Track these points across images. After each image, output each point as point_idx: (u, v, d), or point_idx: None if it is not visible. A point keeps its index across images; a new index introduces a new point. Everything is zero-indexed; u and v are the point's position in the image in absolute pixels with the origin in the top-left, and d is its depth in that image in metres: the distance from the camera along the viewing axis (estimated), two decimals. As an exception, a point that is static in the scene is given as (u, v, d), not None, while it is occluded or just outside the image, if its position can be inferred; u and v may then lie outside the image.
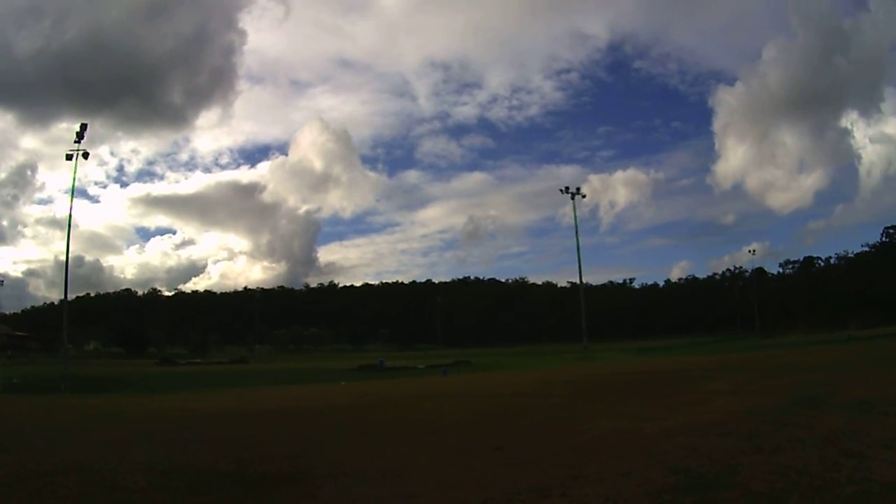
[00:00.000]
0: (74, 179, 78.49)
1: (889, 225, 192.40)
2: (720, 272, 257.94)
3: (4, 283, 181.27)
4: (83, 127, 75.28)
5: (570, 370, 58.82)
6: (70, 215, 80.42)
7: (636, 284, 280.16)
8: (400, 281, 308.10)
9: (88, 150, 75.01)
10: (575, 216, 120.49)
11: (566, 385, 37.31)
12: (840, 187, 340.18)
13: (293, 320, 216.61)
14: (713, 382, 32.19)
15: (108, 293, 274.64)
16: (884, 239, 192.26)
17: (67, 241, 78.77)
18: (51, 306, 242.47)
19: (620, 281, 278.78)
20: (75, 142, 74.03)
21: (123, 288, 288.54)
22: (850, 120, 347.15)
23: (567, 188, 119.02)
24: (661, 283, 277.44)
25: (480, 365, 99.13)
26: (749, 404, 22.31)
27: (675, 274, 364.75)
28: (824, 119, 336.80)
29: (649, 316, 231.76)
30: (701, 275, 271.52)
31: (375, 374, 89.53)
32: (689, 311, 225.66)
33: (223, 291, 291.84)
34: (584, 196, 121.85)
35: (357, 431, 20.79)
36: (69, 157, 73.75)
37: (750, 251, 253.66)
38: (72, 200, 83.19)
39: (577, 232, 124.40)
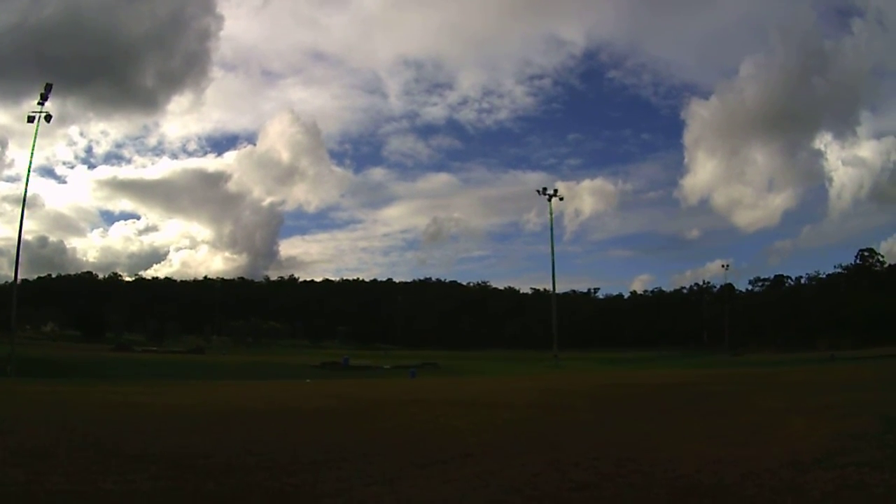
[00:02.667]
0: (35, 142, 73.34)
1: (862, 248, 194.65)
2: (687, 286, 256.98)
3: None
4: (48, 88, 71.06)
5: (564, 379, 53.94)
6: (27, 181, 77.44)
7: (600, 295, 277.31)
8: (360, 278, 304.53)
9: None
10: (551, 218, 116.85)
11: (580, 396, 32.88)
12: (808, 208, 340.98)
13: (252, 312, 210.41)
14: (757, 399, 28.76)
15: (70, 275, 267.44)
16: (857, 261, 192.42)
17: (22, 213, 73.96)
18: (13, 285, 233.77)
19: (584, 290, 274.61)
20: (38, 103, 70.23)
21: (85, 271, 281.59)
22: (824, 141, 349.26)
23: (544, 189, 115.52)
24: (626, 295, 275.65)
25: (449, 369, 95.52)
26: (842, 426, 18.54)
27: (636, 286, 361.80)
28: (798, 139, 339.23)
29: (613, 327, 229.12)
30: (661, 288, 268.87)
31: (340, 372, 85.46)
32: (654, 324, 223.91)
33: (183, 279, 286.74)
34: (561, 198, 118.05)
35: (357, 452, 15.62)
36: (31, 119, 69.91)
37: (724, 266, 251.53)
38: (30, 165, 78.50)
39: (552, 234, 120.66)
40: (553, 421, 22.73)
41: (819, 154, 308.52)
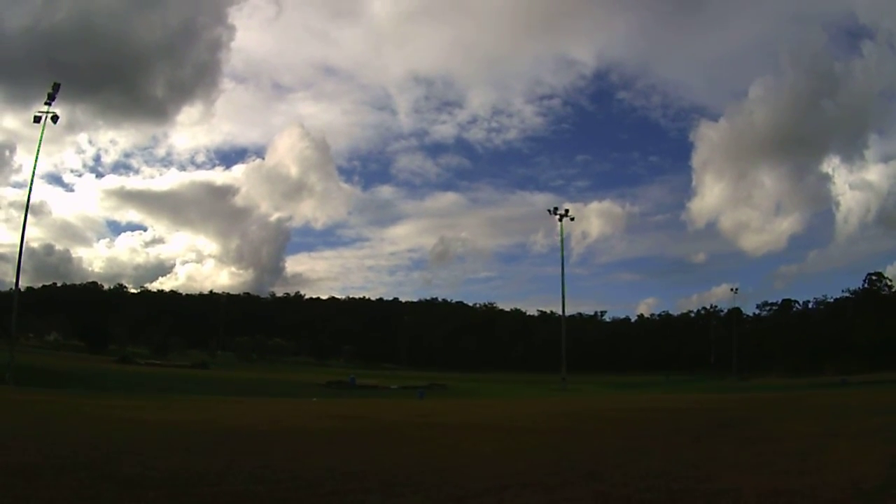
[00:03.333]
0: (40, 142, 72.79)
1: (870, 272, 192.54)
2: (694, 310, 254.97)
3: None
4: (55, 87, 70.00)
5: (578, 403, 52.48)
6: (31, 182, 75.36)
7: (607, 318, 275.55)
8: (366, 297, 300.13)
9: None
10: (562, 238, 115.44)
11: (600, 420, 31.39)
12: (815, 233, 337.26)
13: (256, 329, 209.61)
14: (792, 424, 27.61)
15: (75, 284, 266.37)
16: (865, 285, 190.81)
17: (25, 217, 73.09)
18: (14, 292, 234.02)
19: (590, 313, 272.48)
20: (46, 103, 69.22)
21: (90, 281, 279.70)
22: (832, 165, 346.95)
23: (555, 209, 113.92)
24: (633, 319, 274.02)
25: (457, 390, 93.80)
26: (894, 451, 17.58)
27: (642, 310, 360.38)
28: (806, 162, 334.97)
29: (620, 350, 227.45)
30: (668, 312, 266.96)
31: (346, 391, 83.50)
32: (661, 348, 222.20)
33: (189, 293, 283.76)
34: (572, 218, 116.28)
35: (381, 481, 14.04)
36: (37, 120, 69.16)
37: (732, 289, 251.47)
38: (35, 165, 76.72)
39: (563, 254, 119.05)
40: (584, 447, 21.17)
41: (827, 178, 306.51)
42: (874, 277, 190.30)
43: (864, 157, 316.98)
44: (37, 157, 77.62)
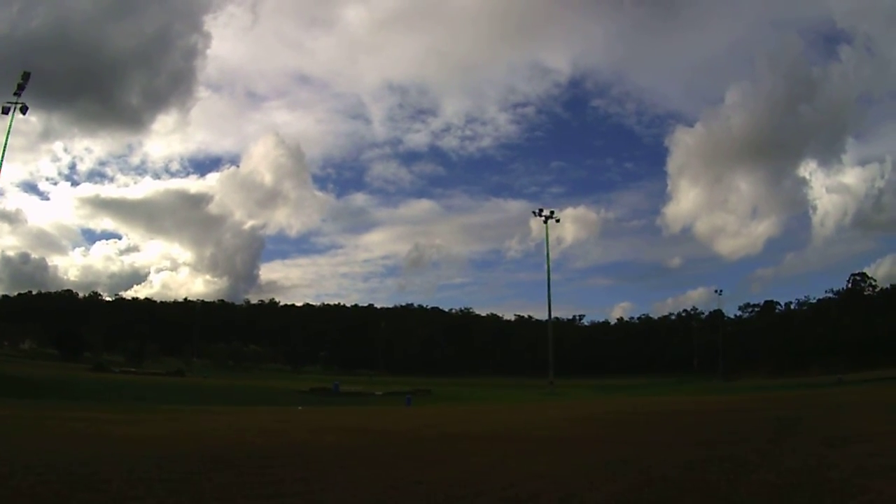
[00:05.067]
0: (9, 134, 69.54)
1: (853, 272, 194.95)
2: (674, 313, 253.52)
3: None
4: (25, 77, 68.61)
5: (587, 407, 48.98)
6: None
7: (585, 322, 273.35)
8: (341, 303, 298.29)
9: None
10: (547, 240, 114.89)
11: (622, 425, 27.90)
12: (792, 236, 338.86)
13: (232, 336, 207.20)
14: (852, 422, 25.39)
15: (50, 293, 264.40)
16: (849, 285, 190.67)
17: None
18: None
19: (568, 317, 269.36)
20: (15, 93, 67.83)
21: (65, 289, 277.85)
22: (809, 169, 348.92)
23: (540, 210, 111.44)
24: (612, 322, 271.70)
25: (442, 395, 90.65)
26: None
27: (616, 314, 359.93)
28: (782, 167, 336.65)
29: (601, 354, 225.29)
30: (648, 315, 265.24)
31: (331, 398, 79.91)
32: (642, 351, 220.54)
33: (163, 301, 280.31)
34: (557, 220, 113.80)
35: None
36: (5, 111, 67.28)
37: (716, 291, 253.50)
38: (2, 159, 73.04)
39: (548, 256, 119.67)
40: (649, 455, 17.29)
41: (803, 182, 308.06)
42: (858, 277, 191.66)
43: (842, 161, 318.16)
44: (4, 149, 73.66)
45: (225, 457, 17.06)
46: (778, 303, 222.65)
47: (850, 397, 47.41)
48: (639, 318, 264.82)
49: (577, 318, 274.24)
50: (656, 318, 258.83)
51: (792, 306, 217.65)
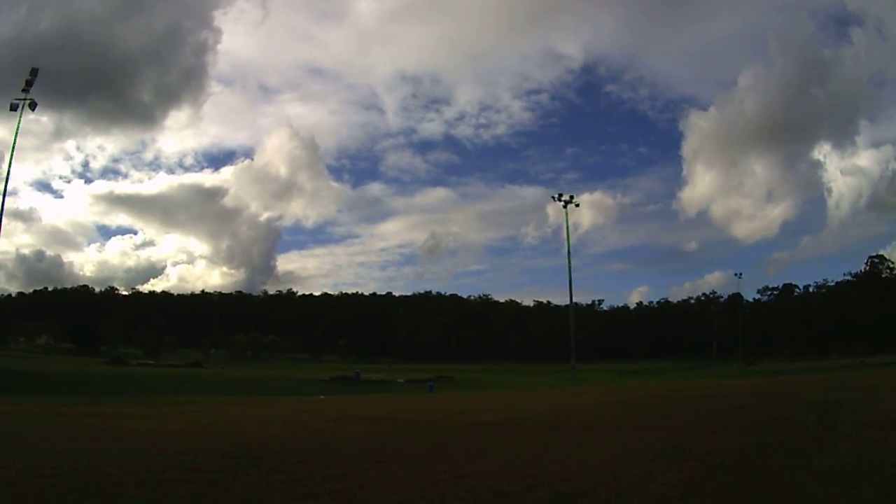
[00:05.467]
0: (18, 127, 70.49)
1: (871, 254, 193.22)
2: (694, 297, 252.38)
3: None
4: (33, 73, 68.74)
5: (609, 392, 47.46)
6: (8, 172, 71.58)
7: (604, 306, 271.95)
8: (359, 292, 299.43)
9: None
10: (567, 225, 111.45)
11: (661, 411, 26.37)
12: (807, 218, 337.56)
13: (250, 326, 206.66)
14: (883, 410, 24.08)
15: (66, 289, 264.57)
16: (866, 268, 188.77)
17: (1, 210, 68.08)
18: (7, 298, 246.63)
19: (587, 303, 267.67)
20: (23, 90, 67.90)
21: (81, 284, 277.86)
22: (823, 152, 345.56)
23: (560, 195, 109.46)
24: (631, 307, 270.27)
25: (464, 382, 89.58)
26: None
27: (634, 298, 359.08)
28: (797, 150, 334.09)
29: (620, 339, 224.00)
30: (667, 299, 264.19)
31: (353, 387, 79.10)
32: (660, 335, 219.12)
33: (180, 293, 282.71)
34: (577, 205, 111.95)
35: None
36: (14, 108, 67.71)
37: (736, 274, 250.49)
38: (11, 155, 72.40)
39: (568, 242, 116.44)
40: (681, 444, 15.67)
41: (818, 164, 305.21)
42: (876, 260, 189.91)
43: (856, 143, 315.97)
44: (13, 144, 72.93)
45: (250, 452, 15.90)
46: (796, 286, 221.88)
47: (881, 380, 46.11)
48: (657, 303, 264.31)
49: (596, 302, 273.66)
50: (675, 302, 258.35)
51: (810, 289, 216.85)
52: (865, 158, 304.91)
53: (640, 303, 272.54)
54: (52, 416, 26.06)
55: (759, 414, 24.65)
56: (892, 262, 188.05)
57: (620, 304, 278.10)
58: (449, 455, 15.61)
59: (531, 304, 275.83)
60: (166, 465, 13.63)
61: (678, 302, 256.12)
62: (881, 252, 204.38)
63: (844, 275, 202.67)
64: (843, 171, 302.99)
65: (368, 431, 21.88)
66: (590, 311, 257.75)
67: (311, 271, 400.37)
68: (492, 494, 11.17)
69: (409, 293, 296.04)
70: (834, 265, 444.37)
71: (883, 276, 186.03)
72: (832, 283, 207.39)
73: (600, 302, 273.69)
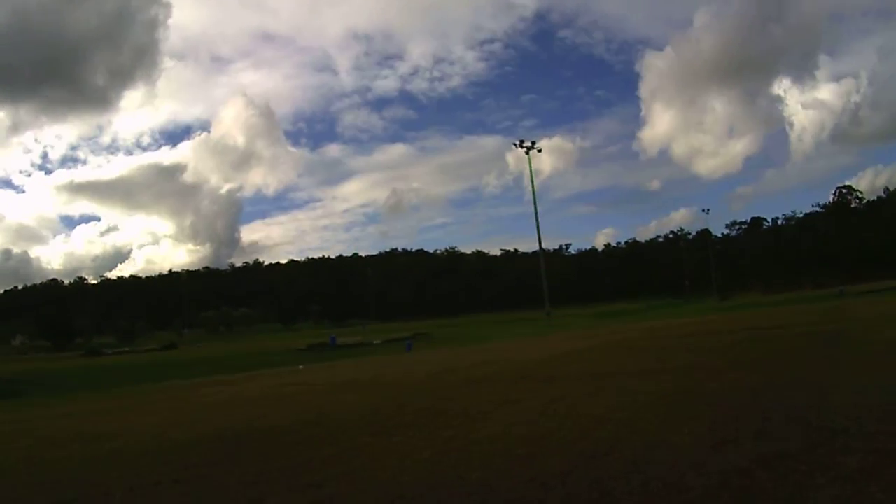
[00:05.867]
0: None
1: (838, 185, 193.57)
2: (661, 235, 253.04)
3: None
4: None
5: (594, 337, 45.60)
6: None
7: (572, 250, 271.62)
8: (326, 256, 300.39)
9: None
10: (531, 171, 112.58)
11: (657, 353, 25.05)
12: (770, 153, 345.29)
13: (221, 302, 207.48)
14: None
15: (35, 285, 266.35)
16: (835, 198, 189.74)
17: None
18: None
19: (554, 248, 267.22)
20: None
21: (50, 279, 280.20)
22: (783, 87, 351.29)
23: (521, 142, 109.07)
24: (598, 250, 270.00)
25: (442, 338, 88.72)
26: None
27: (600, 241, 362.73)
28: (756, 86, 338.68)
29: (591, 282, 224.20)
30: (635, 239, 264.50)
31: (331, 352, 78.19)
32: (632, 276, 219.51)
33: (149, 276, 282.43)
34: (539, 150, 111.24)
35: None
36: None
37: (704, 210, 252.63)
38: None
39: (533, 186, 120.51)
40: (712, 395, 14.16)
41: (778, 99, 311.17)
42: (844, 190, 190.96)
43: (816, 78, 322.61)
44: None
45: (239, 438, 14.83)
46: (765, 219, 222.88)
47: (869, 309, 44.90)
48: (625, 243, 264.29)
49: (564, 247, 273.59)
50: (643, 241, 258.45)
51: (779, 222, 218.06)
52: (827, 92, 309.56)
53: (608, 244, 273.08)
54: (27, 425, 24.36)
55: (769, 351, 23.47)
56: (861, 193, 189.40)
57: (588, 248, 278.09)
58: (452, 421, 14.50)
59: (498, 253, 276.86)
60: (153, 466, 12.51)
61: (646, 241, 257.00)
62: (847, 183, 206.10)
63: (813, 206, 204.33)
64: (805, 104, 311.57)
65: (360, 400, 20.76)
66: (558, 256, 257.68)
67: (275, 239, 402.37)
68: (504, 460, 10.17)
69: (375, 252, 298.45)
70: (800, 198, 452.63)
71: (852, 206, 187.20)
72: (801, 215, 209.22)
73: (567, 246, 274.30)
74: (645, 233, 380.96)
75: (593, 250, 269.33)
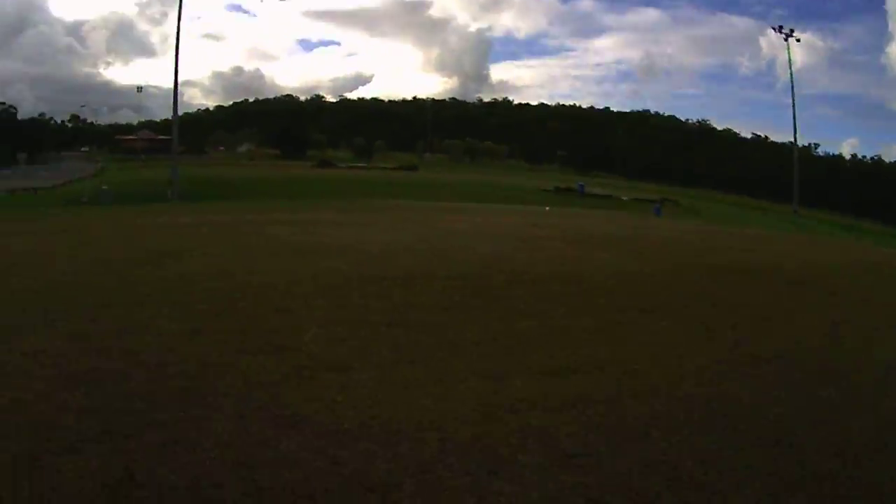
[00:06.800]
0: None
1: None
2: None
3: (160, 93, 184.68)
4: None
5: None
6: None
7: (819, 152, 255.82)
8: (576, 104, 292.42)
9: None
10: (790, 59, 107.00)
11: None
12: None
13: (465, 132, 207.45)
14: None
15: (268, 99, 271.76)
16: None
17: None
18: (205, 112, 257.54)
19: (804, 144, 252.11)
20: None
21: (284, 94, 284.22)
22: None
23: (780, 27, 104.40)
24: (847, 157, 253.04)
25: (689, 209, 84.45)
26: None
27: (845, 150, 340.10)
28: None
29: (833, 189, 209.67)
30: (878, 157, 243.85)
31: (577, 199, 77.56)
32: (870, 193, 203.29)
33: (391, 99, 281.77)
34: (798, 40, 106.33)
35: None
36: None
37: None
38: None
39: (791, 77, 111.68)
40: None
41: None
42: None
43: None
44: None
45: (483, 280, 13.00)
46: None
47: None
48: (871, 159, 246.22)
49: (813, 146, 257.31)
50: (888, 161, 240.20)
51: None
52: None
53: (855, 155, 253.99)
54: (226, 231, 22.13)
55: None
56: None
57: (836, 153, 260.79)
58: (750, 311, 11.99)
59: (748, 136, 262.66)
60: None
61: (891, 162, 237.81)
62: None
63: None
64: None
65: (614, 260, 17.84)
66: (806, 153, 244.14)
67: (525, 81, 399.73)
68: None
69: (626, 110, 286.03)
70: None
71: None
72: None
73: (816, 146, 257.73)
74: (888, 153, 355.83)
75: (840, 156, 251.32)
